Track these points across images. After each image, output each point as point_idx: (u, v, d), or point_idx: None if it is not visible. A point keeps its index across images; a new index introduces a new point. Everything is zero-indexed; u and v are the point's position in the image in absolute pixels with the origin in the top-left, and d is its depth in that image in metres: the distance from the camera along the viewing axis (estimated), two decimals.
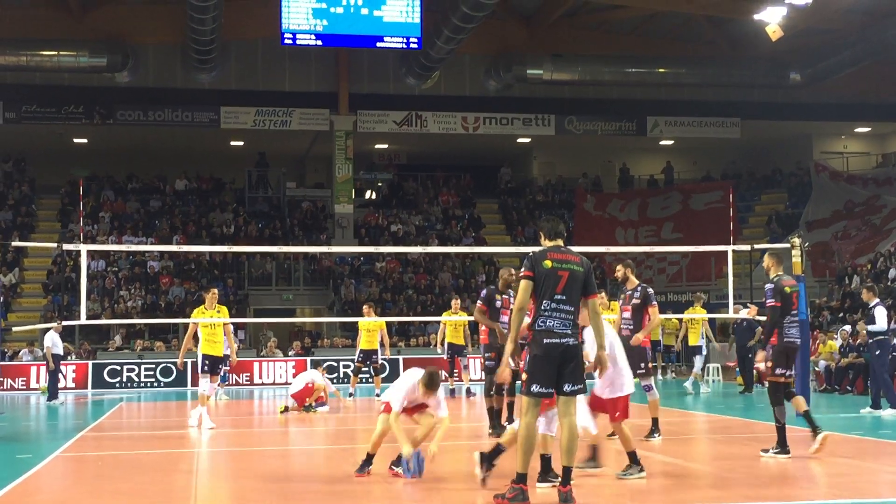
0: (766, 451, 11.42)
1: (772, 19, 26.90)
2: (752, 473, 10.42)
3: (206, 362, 16.08)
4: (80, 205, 31.20)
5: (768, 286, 11.66)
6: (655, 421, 13.05)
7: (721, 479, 10.13)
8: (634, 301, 13.25)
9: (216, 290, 16.70)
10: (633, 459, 9.67)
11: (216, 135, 36.66)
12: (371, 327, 21.36)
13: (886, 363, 17.75)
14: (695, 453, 12.58)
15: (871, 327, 17.45)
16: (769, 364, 11.49)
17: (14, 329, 27.46)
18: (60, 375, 24.38)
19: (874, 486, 9.88)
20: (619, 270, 13.46)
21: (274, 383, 27.97)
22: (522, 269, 8.56)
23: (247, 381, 27.94)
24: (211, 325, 16.07)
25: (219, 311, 16.30)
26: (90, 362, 28.02)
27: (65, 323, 22.95)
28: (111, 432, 16.68)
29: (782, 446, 11.33)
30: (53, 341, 23.18)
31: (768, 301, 11.55)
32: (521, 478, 8.31)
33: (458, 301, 22.99)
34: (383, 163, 41.60)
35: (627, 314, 13.30)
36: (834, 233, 36.13)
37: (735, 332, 23.68)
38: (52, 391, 23.14)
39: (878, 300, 17.45)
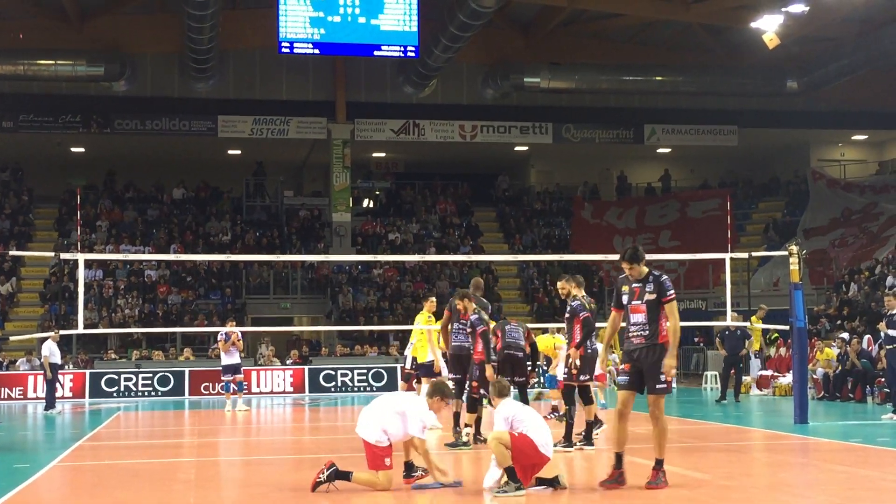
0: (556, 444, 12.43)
1: (769, 27, 26.97)
2: (749, 482, 10.41)
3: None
4: (78, 214, 31.24)
5: (576, 303, 12.91)
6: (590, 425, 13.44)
7: (721, 488, 10.11)
8: (567, 315, 13.25)
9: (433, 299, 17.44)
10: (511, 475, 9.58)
11: (214, 144, 36.67)
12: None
13: None
14: (697, 462, 12.56)
15: (891, 332, 17.52)
16: (575, 370, 12.87)
17: (11, 338, 27.42)
18: (58, 385, 24.32)
19: (876, 493, 9.86)
20: (565, 287, 13.31)
21: (272, 392, 27.93)
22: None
23: (244, 390, 27.84)
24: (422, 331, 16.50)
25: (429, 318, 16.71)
26: (87, 371, 27.96)
27: (62, 332, 22.91)
28: (109, 442, 16.64)
29: (568, 440, 12.99)
30: (51, 350, 23.13)
31: (582, 314, 12.83)
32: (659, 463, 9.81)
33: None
34: (381, 171, 41.61)
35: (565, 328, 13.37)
36: (831, 240, 36.14)
37: (724, 339, 23.52)
38: (50, 400, 23.11)
39: None
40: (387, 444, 9.89)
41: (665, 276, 9.96)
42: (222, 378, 22.86)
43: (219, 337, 23.18)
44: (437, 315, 16.52)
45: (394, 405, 10.05)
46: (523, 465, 9.53)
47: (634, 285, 9.98)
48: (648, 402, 9.92)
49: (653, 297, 9.85)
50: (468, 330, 13.64)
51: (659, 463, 9.84)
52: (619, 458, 9.90)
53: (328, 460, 10.09)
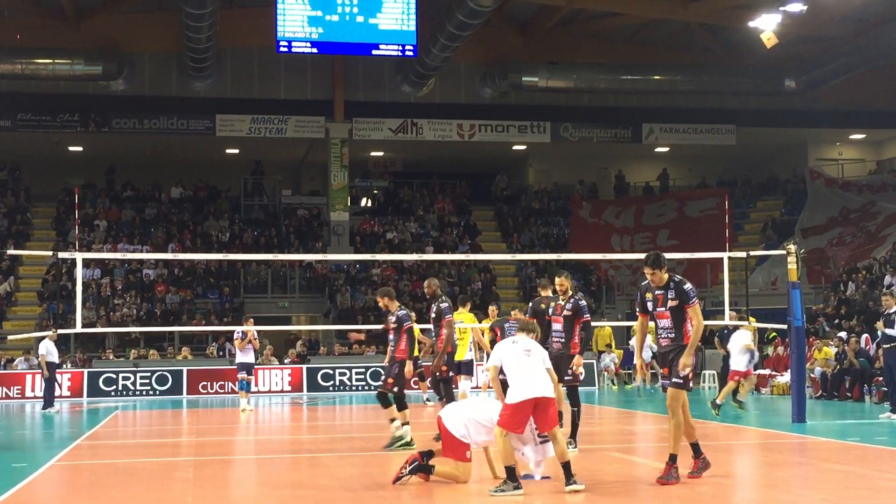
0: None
1: (767, 27, 26.95)
2: (746, 481, 10.42)
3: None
4: (76, 213, 31.21)
5: (583, 303, 12.90)
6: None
7: (719, 487, 10.12)
8: (566, 313, 13.05)
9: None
10: (511, 476, 9.62)
11: (212, 143, 36.65)
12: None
13: None
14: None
15: (888, 331, 17.54)
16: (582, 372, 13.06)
17: (9, 338, 27.39)
18: (56, 384, 24.28)
19: (873, 492, 9.87)
20: (564, 283, 13.06)
21: (270, 391, 27.93)
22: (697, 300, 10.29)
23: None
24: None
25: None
26: (85, 370, 27.95)
27: (60, 331, 22.87)
28: (107, 441, 16.63)
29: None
30: (48, 349, 23.12)
31: (586, 316, 12.86)
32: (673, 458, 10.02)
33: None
34: (379, 170, 41.59)
35: (559, 326, 13.10)
36: (829, 239, 36.15)
37: (723, 338, 23.51)
38: (48, 399, 23.07)
39: None
40: (468, 441, 10.12)
41: (687, 283, 10.25)
42: (238, 376, 22.73)
43: (235, 335, 22.72)
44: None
45: (482, 415, 10.20)
46: (534, 421, 9.67)
47: (657, 292, 10.26)
48: (667, 396, 10.26)
49: (675, 302, 10.21)
50: (393, 326, 13.54)
51: (672, 458, 10.05)
52: (695, 447, 10.30)
53: (411, 455, 10.24)
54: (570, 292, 13.02)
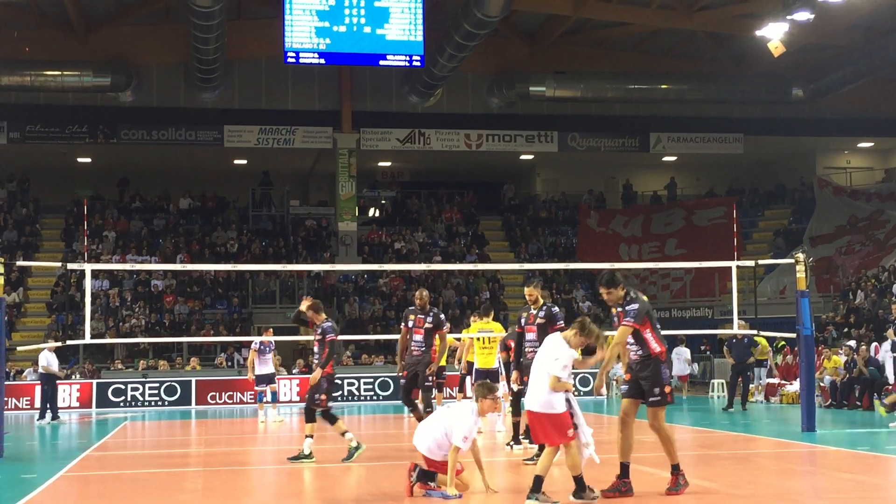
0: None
1: (774, 35, 26.95)
2: (756, 491, 10.39)
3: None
4: (84, 224, 31.31)
5: (556, 309, 12.74)
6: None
7: (729, 496, 10.09)
8: (539, 321, 12.80)
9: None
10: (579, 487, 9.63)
11: (220, 153, 36.75)
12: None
13: None
14: (704, 471, 12.54)
15: None
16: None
17: (18, 349, 27.44)
18: (52, 395, 24.16)
19: (883, 502, 9.83)
20: (533, 293, 12.78)
21: (278, 401, 27.89)
22: (633, 321, 9.87)
23: (251, 399, 27.88)
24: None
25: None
26: (94, 381, 27.98)
27: (69, 342, 22.88)
28: (115, 451, 16.65)
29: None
30: (48, 360, 23.15)
31: (560, 322, 12.44)
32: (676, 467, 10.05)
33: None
34: (386, 180, 41.65)
35: (532, 335, 12.78)
36: (838, 248, 36.09)
37: (731, 347, 23.49)
38: (46, 409, 23.02)
39: None
40: (440, 459, 10.04)
41: (633, 305, 9.90)
42: (255, 388, 22.56)
43: (253, 345, 22.29)
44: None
45: (442, 420, 10.20)
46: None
47: (619, 309, 10.07)
48: (647, 415, 10.07)
49: None
50: (318, 338, 13.50)
51: (675, 468, 9.99)
52: (623, 468, 9.96)
53: (410, 463, 10.21)
54: (541, 300, 12.84)
